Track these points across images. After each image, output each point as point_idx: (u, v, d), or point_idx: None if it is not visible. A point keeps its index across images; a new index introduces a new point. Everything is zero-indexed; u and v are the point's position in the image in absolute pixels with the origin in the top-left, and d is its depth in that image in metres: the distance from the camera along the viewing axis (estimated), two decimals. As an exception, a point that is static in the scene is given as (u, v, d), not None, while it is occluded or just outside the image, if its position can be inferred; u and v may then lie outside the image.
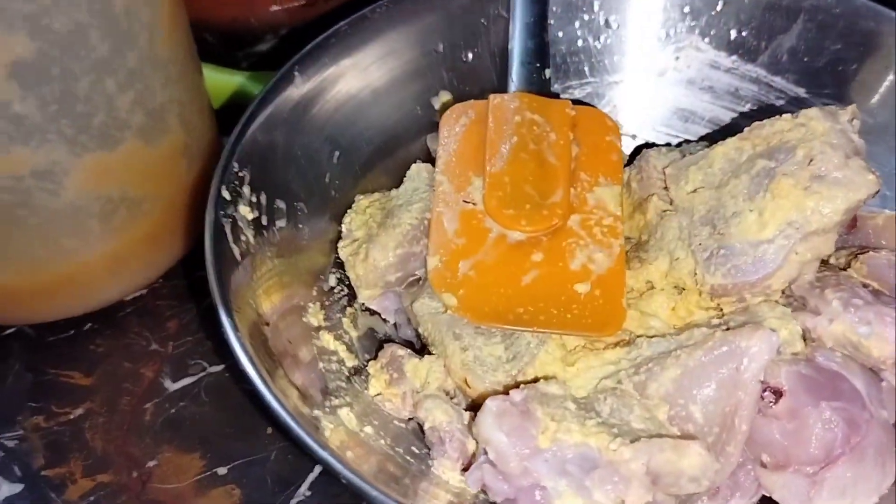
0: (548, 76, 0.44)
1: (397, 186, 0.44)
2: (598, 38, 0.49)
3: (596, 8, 0.48)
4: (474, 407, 0.35)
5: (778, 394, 0.32)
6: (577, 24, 0.48)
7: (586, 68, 0.49)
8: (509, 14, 0.45)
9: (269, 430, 0.41)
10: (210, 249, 0.34)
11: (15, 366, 0.44)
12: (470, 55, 0.47)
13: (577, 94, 0.50)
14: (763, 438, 0.33)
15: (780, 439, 0.32)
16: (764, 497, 0.34)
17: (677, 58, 0.48)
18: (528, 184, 0.39)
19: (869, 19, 0.44)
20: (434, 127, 0.47)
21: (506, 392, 0.33)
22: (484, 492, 0.33)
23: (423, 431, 0.36)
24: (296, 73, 0.42)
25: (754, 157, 0.37)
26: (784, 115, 0.37)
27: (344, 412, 0.35)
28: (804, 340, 0.35)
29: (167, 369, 0.44)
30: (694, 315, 0.38)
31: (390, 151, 0.46)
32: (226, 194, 0.36)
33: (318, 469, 0.39)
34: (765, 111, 0.47)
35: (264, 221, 0.38)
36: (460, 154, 0.41)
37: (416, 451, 0.35)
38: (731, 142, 0.38)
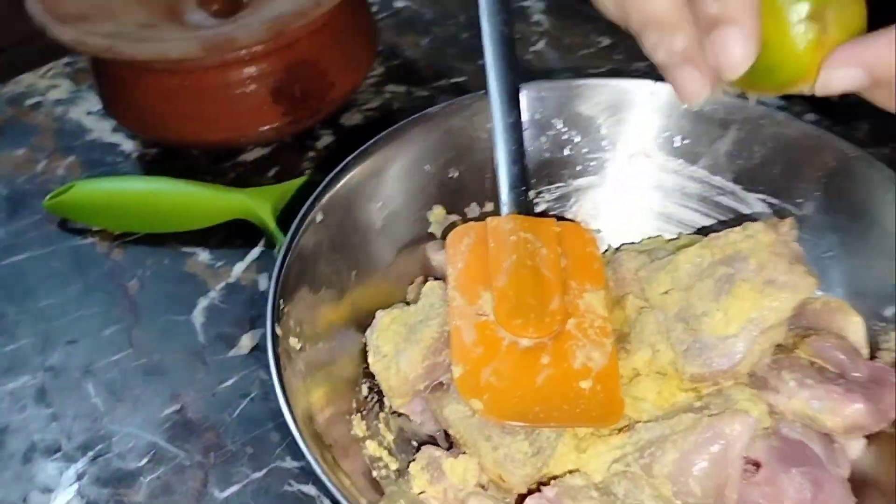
0: (531, 197, 0.50)
1: (401, 294, 0.51)
2: (563, 150, 0.56)
3: (559, 126, 0.56)
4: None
5: (757, 465, 0.40)
6: (543, 139, 0.56)
7: (555, 175, 0.57)
8: (492, 141, 0.52)
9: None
10: (277, 381, 0.40)
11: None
12: (456, 173, 0.54)
13: (549, 197, 0.57)
14: (748, 502, 0.40)
15: (762, 502, 0.40)
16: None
17: (630, 164, 0.56)
18: (530, 295, 0.46)
19: (790, 128, 0.53)
20: (430, 237, 0.53)
21: (537, 488, 0.40)
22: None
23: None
24: (318, 215, 0.48)
25: (715, 264, 0.45)
26: (735, 229, 0.45)
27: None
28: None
29: (213, 479, 0.48)
30: (677, 396, 0.45)
31: (395, 262, 0.52)
32: (278, 331, 0.42)
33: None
34: (708, 205, 0.56)
35: (307, 347, 0.44)
36: (467, 272, 0.47)
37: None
38: (692, 250, 0.46)
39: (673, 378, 0.45)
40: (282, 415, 0.39)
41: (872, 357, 0.45)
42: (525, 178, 0.50)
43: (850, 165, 0.49)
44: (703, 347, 0.43)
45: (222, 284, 0.60)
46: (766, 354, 0.44)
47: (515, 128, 0.51)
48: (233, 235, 0.61)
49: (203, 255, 0.61)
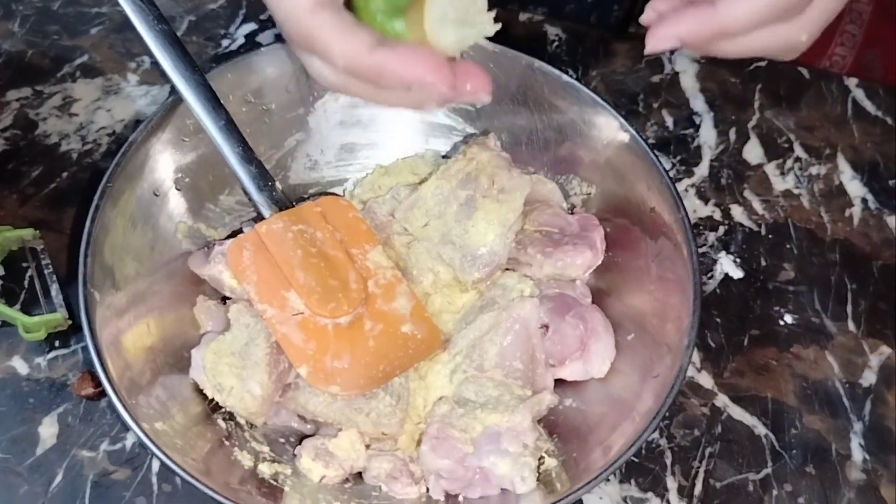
0: (279, 187, 0.54)
1: (190, 317, 0.53)
2: (263, 121, 0.59)
3: (251, 100, 0.58)
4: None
5: (546, 327, 0.53)
6: (243, 119, 0.58)
7: (266, 144, 0.59)
8: (217, 150, 0.52)
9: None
10: (146, 438, 0.43)
11: None
12: (187, 178, 0.55)
13: (268, 165, 0.60)
14: (548, 353, 0.54)
15: (556, 349, 0.54)
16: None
17: (325, 110, 0.61)
18: (329, 278, 0.51)
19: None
20: (187, 254, 0.55)
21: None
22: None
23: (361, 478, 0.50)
24: (92, 290, 0.47)
25: (455, 190, 0.54)
26: (458, 156, 0.55)
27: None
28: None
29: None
30: (463, 298, 0.56)
31: (167, 288, 0.54)
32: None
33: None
34: (402, 125, 0.63)
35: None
36: (263, 281, 0.51)
37: (377, 493, 0.50)
38: (432, 183, 0.55)
39: (454, 286, 0.56)
40: (139, 478, 0.45)
41: (571, 208, 0.60)
42: (265, 173, 0.53)
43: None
44: (473, 258, 0.54)
45: (-24, 389, 0.54)
46: (513, 241, 0.56)
47: (230, 128, 0.52)
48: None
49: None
